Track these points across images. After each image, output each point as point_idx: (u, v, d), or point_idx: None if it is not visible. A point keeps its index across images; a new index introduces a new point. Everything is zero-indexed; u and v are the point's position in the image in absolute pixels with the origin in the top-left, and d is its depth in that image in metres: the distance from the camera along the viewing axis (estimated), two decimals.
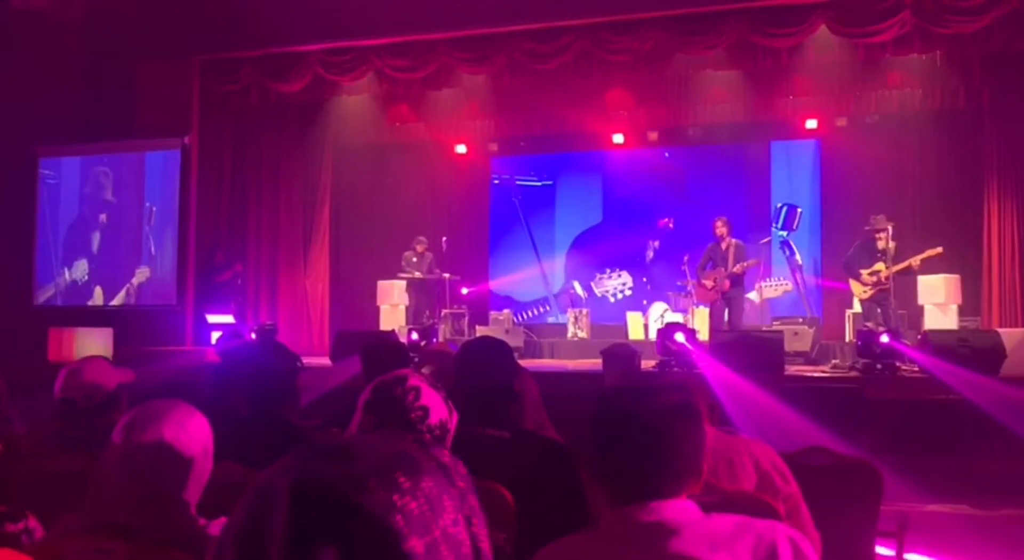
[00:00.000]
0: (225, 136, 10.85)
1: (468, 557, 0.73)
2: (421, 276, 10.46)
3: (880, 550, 2.90)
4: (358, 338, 7.21)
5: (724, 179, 11.48)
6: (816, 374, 7.47)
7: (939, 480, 5.31)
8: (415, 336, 8.51)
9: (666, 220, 11.37)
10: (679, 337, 7.18)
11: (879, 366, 6.88)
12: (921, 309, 9.07)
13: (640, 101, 10.55)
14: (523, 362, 3.78)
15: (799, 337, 8.77)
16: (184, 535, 1.55)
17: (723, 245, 9.05)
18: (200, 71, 10.34)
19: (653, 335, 9.44)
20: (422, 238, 10.61)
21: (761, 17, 8.70)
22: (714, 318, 9.18)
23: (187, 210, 10.29)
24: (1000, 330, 7.34)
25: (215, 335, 8.98)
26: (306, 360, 3.91)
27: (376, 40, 9.69)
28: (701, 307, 9.69)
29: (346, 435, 1.76)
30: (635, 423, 1.45)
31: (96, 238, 10.63)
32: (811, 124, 10.45)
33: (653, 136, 11.08)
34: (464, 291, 11.13)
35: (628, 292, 11.57)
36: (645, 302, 11.20)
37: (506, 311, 11.20)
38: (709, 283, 9.08)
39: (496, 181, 12.36)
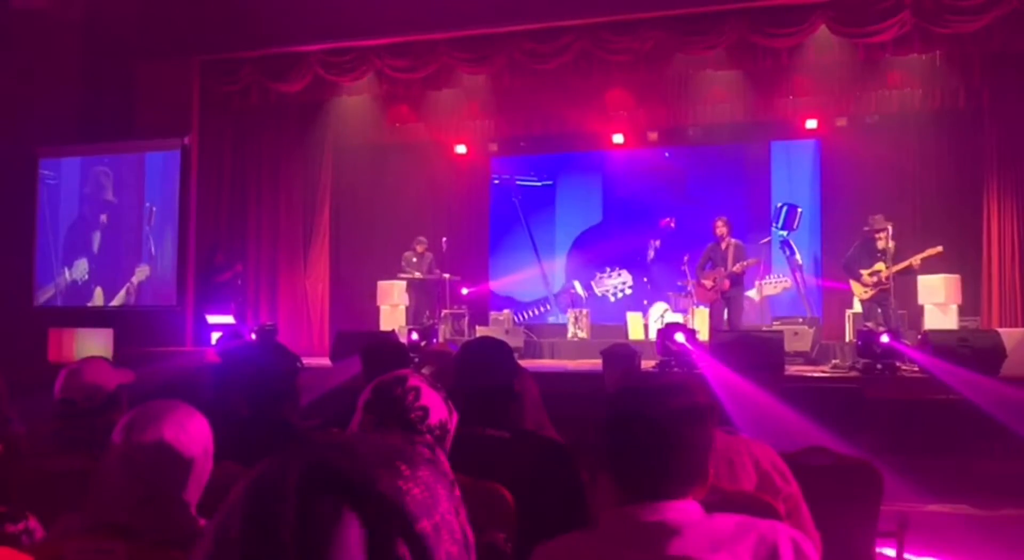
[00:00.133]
0: (225, 136, 10.85)
1: (462, 544, 0.75)
2: (421, 276, 10.46)
3: (880, 550, 2.90)
4: (358, 338, 7.21)
5: (724, 179, 11.48)
6: (816, 374, 7.47)
7: (939, 480, 5.31)
8: (415, 336, 8.51)
9: (668, 220, 11.37)
10: (679, 337, 7.18)
11: (879, 366, 6.88)
12: (921, 309, 9.07)
13: (640, 101, 10.55)
14: (523, 362, 3.78)
15: (799, 337, 8.77)
16: (184, 535, 1.55)
17: (723, 245, 9.05)
18: (200, 71, 10.35)
19: (653, 335, 9.44)
20: (422, 238, 10.61)
21: (761, 17, 8.70)
22: (714, 318, 9.18)
23: (187, 210, 10.29)
24: (1000, 330, 7.34)
25: (215, 335, 8.98)
26: (306, 360, 3.91)
27: (376, 40, 9.69)
28: (701, 307, 9.69)
29: (345, 435, 1.77)
30: (647, 424, 1.46)
31: (96, 238, 10.63)
32: (811, 124, 10.45)
33: (653, 136, 11.08)
34: (464, 291, 11.13)
35: (628, 291, 11.57)
36: (646, 302, 11.20)
37: (506, 311, 11.20)
38: (708, 283, 9.08)
39: (496, 181, 12.36)
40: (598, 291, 11.65)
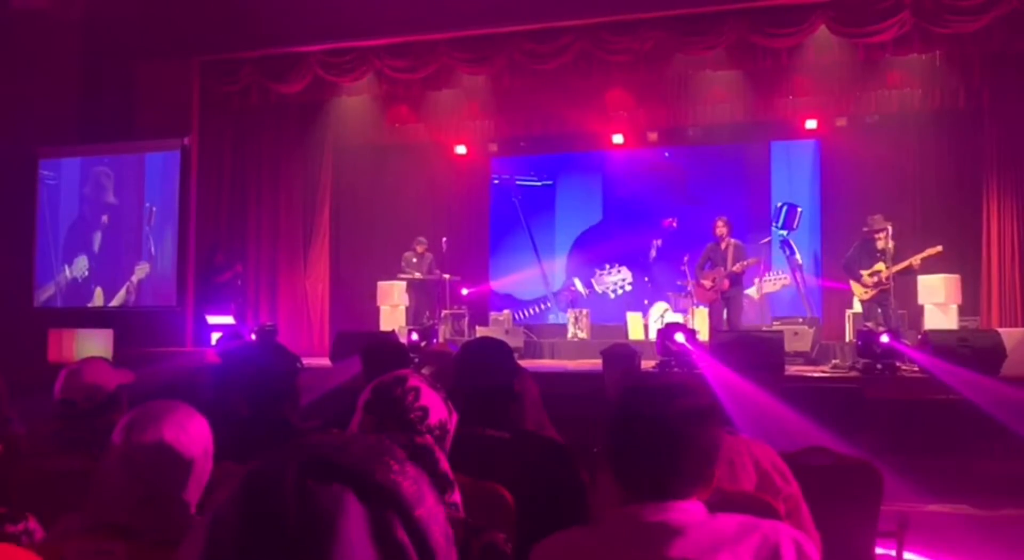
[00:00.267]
0: (225, 137, 10.85)
1: (447, 537, 0.77)
2: (421, 277, 10.46)
3: (880, 550, 2.90)
4: (358, 339, 7.21)
5: (724, 179, 11.48)
6: (816, 374, 7.47)
7: (939, 480, 5.31)
8: (415, 337, 8.51)
9: (670, 220, 11.38)
10: (679, 337, 7.18)
11: (879, 366, 6.88)
12: (921, 309, 9.07)
13: (640, 101, 10.55)
14: (523, 362, 3.78)
15: (799, 337, 8.77)
16: (184, 536, 1.55)
17: (722, 245, 9.05)
18: (200, 72, 10.35)
19: (653, 335, 9.44)
20: (422, 239, 10.62)
21: (761, 17, 8.71)
22: (713, 318, 9.18)
23: (187, 211, 10.30)
24: (1000, 330, 7.34)
25: (215, 336, 8.98)
26: (306, 361, 3.91)
27: (376, 41, 9.69)
28: (701, 307, 9.69)
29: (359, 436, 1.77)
30: (654, 424, 1.46)
31: (97, 238, 10.63)
32: (811, 124, 10.45)
33: (653, 136, 11.08)
34: (464, 292, 11.13)
35: (628, 287, 11.57)
36: (646, 302, 11.20)
37: (506, 312, 11.20)
38: (708, 283, 9.08)
39: (496, 181, 12.37)
40: (598, 288, 11.65)
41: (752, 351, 6.81)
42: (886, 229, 8.29)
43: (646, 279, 11.46)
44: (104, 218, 10.63)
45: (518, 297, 12.10)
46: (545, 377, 5.65)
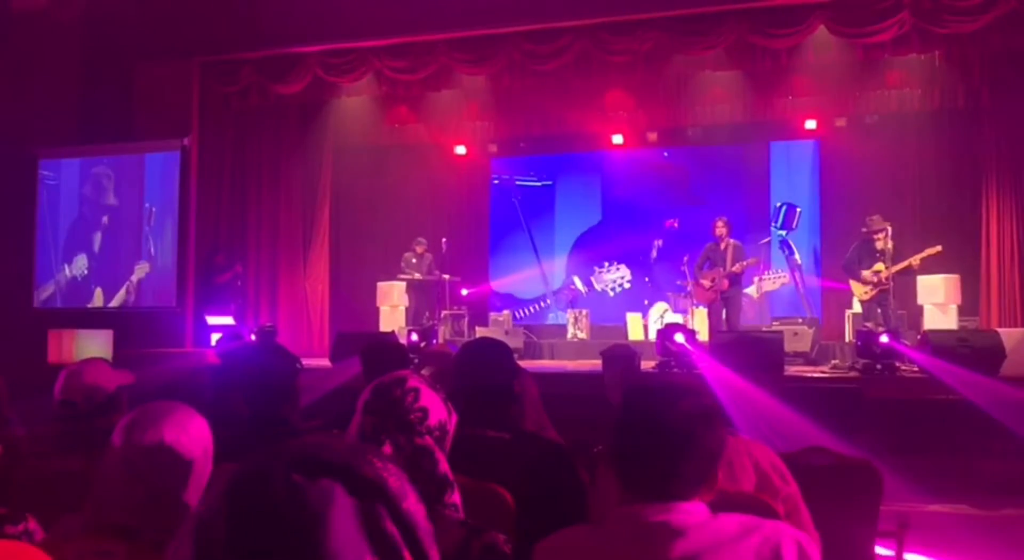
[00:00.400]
0: (225, 137, 10.85)
1: (431, 533, 0.78)
2: (421, 277, 10.46)
3: (880, 550, 2.90)
4: (358, 339, 7.21)
5: (723, 180, 11.49)
6: (816, 374, 7.47)
7: (939, 480, 5.31)
8: (415, 337, 8.51)
9: (672, 221, 11.38)
10: (679, 338, 7.18)
11: (879, 366, 6.88)
12: (921, 309, 9.07)
13: (639, 102, 10.56)
14: (523, 363, 3.78)
15: (799, 337, 8.77)
16: None
17: (722, 245, 9.06)
18: (200, 72, 10.35)
19: (653, 336, 9.44)
20: (422, 239, 10.62)
21: (760, 17, 8.71)
22: (712, 318, 9.18)
23: (187, 211, 10.30)
24: (999, 330, 7.34)
25: (215, 337, 8.98)
26: (306, 361, 3.91)
27: (375, 41, 9.69)
28: (701, 308, 9.69)
29: (346, 436, 1.77)
30: (659, 425, 1.47)
31: (97, 239, 10.64)
32: (810, 124, 10.45)
33: (652, 137, 11.08)
34: (464, 292, 11.13)
35: (626, 285, 11.58)
36: (647, 302, 11.20)
37: (506, 312, 11.20)
38: (707, 282, 9.08)
39: (496, 181, 12.37)
40: (597, 286, 11.66)
41: (752, 351, 6.83)
42: (885, 229, 8.30)
43: (646, 279, 11.46)
44: (104, 219, 10.64)
45: (517, 296, 12.10)
46: (545, 378, 5.66)
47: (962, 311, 8.97)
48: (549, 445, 2.48)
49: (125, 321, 10.08)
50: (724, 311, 9.02)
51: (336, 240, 11.69)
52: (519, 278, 12.09)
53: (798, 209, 11.08)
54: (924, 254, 8.20)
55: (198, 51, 10.20)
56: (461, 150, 11.83)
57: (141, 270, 10.36)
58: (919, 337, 7.39)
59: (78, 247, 10.69)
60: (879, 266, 8.29)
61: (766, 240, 10.90)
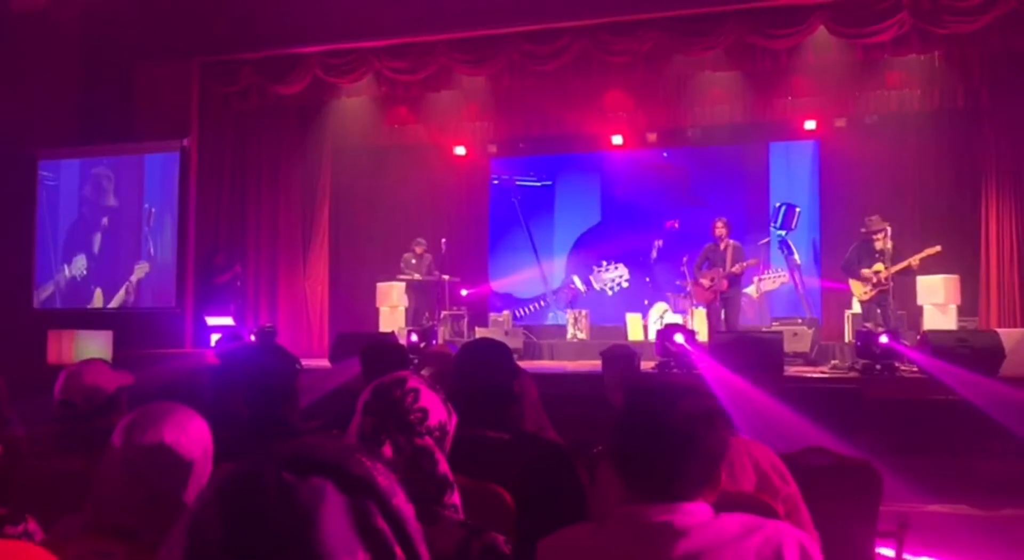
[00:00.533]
0: (224, 138, 10.85)
1: (420, 532, 0.79)
2: (420, 278, 10.46)
3: (880, 550, 2.90)
4: (357, 340, 7.20)
5: (723, 180, 11.49)
6: (815, 375, 7.47)
7: (939, 480, 5.31)
8: (415, 338, 8.51)
9: (673, 221, 11.38)
10: (678, 338, 7.18)
11: (878, 367, 6.88)
12: (920, 309, 9.07)
13: (639, 102, 10.56)
14: (522, 363, 3.79)
15: (798, 338, 8.77)
16: None
17: (721, 246, 9.06)
18: (199, 73, 10.35)
19: (653, 336, 9.44)
20: (421, 240, 10.61)
21: (760, 18, 8.72)
22: (711, 318, 9.18)
23: (186, 212, 10.30)
24: (999, 330, 7.35)
25: (214, 337, 8.98)
26: (305, 362, 3.91)
27: (375, 42, 9.69)
28: (700, 308, 9.69)
29: (345, 437, 1.77)
30: (663, 426, 1.47)
31: (97, 239, 10.64)
32: (810, 125, 10.45)
33: (652, 137, 11.09)
34: (464, 293, 11.13)
35: (625, 284, 11.58)
36: (647, 302, 11.20)
37: (505, 313, 11.20)
38: (706, 282, 9.08)
39: (495, 181, 12.37)
40: (596, 285, 11.67)
41: (751, 352, 6.84)
42: (884, 229, 8.30)
43: (647, 279, 11.46)
44: (104, 219, 10.64)
45: (517, 296, 12.11)
46: (544, 378, 5.66)
47: (961, 311, 8.97)
48: (549, 445, 2.48)
49: (125, 322, 10.07)
50: (723, 311, 9.02)
51: (336, 241, 11.69)
52: (519, 279, 12.09)
53: (797, 209, 11.09)
54: (923, 254, 8.20)
55: (198, 51, 10.20)
56: (461, 150, 11.84)
57: (141, 270, 10.36)
58: (919, 337, 7.39)
59: (78, 248, 10.69)
60: (878, 266, 8.29)
61: (765, 240, 10.90)
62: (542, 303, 12.03)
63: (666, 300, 10.95)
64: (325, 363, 8.13)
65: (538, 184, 12.28)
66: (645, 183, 11.70)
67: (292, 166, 11.24)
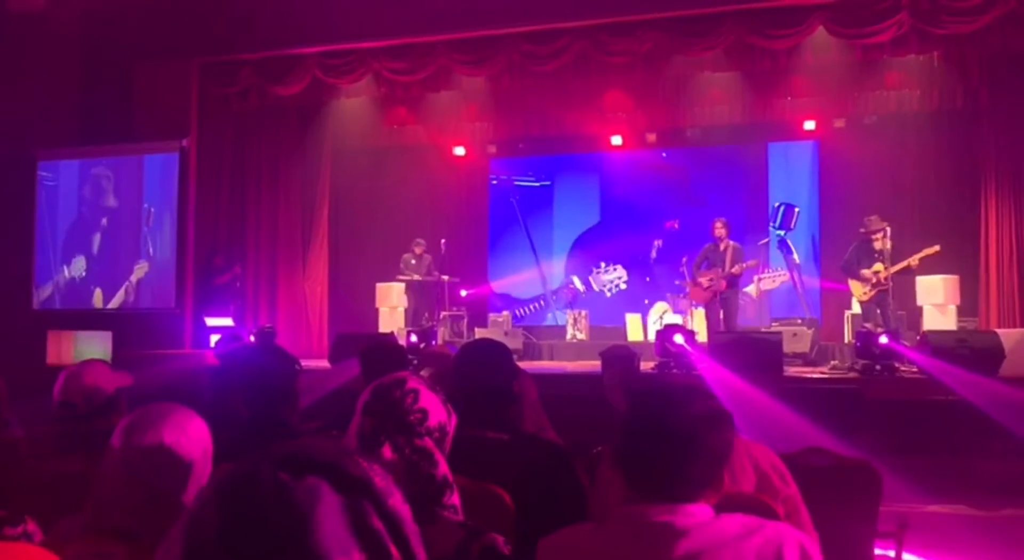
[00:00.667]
0: (224, 139, 10.85)
1: (416, 532, 0.79)
2: (420, 278, 10.45)
3: (879, 551, 2.90)
4: (357, 340, 7.20)
5: (722, 181, 11.49)
6: (815, 375, 7.47)
7: (938, 480, 5.31)
8: (414, 338, 8.51)
9: (673, 221, 11.38)
10: (678, 339, 7.17)
11: (878, 367, 6.88)
12: (920, 310, 9.08)
13: (638, 103, 10.56)
14: (522, 364, 3.79)
15: (798, 338, 8.77)
16: None
17: (721, 246, 9.06)
18: (199, 74, 10.35)
19: (652, 337, 9.43)
20: (420, 240, 10.61)
21: (759, 18, 8.72)
22: (710, 318, 9.17)
23: (186, 213, 10.30)
24: (998, 330, 7.35)
25: (214, 338, 8.98)
26: (305, 362, 3.91)
27: (374, 43, 9.70)
28: (700, 308, 9.69)
29: (345, 438, 1.77)
30: (669, 428, 1.47)
31: (96, 239, 10.64)
32: (809, 125, 10.45)
33: (651, 138, 11.09)
34: (463, 293, 11.13)
35: (623, 285, 11.58)
36: (647, 301, 11.20)
37: (505, 313, 11.20)
38: (705, 282, 9.08)
39: (494, 181, 12.37)
40: (595, 286, 11.67)
41: (751, 352, 6.84)
42: (883, 229, 8.30)
43: (647, 279, 11.46)
44: (103, 220, 10.64)
45: (516, 297, 12.11)
46: (544, 378, 5.65)
47: (961, 312, 8.98)
48: (548, 446, 2.48)
49: (124, 322, 10.07)
50: (721, 312, 9.02)
51: (335, 241, 11.69)
52: (518, 279, 12.09)
53: (796, 209, 11.09)
54: (922, 254, 8.20)
55: (197, 52, 10.20)
56: (460, 151, 11.84)
57: (140, 270, 10.36)
58: (918, 338, 7.39)
59: (77, 248, 10.69)
60: (878, 266, 8.29)
61: (764, 241, 10.90)
62: (541, 303, 12.03)
63: (666, 300, 10.95)
64: (325, 364, 8.13)
65: (537, 184, 12.28)
66: (644, 183, 11.70)
67: (291, 167, 11.24)
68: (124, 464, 1.60)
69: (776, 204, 11.17)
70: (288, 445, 0.79)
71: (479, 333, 10.24)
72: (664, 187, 11.67)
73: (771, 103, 10.16)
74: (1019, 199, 9.18)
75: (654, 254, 11.44)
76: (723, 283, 8.91)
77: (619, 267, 11.62)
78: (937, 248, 8.17)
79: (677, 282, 10.15)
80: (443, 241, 10.70)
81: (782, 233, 11.07)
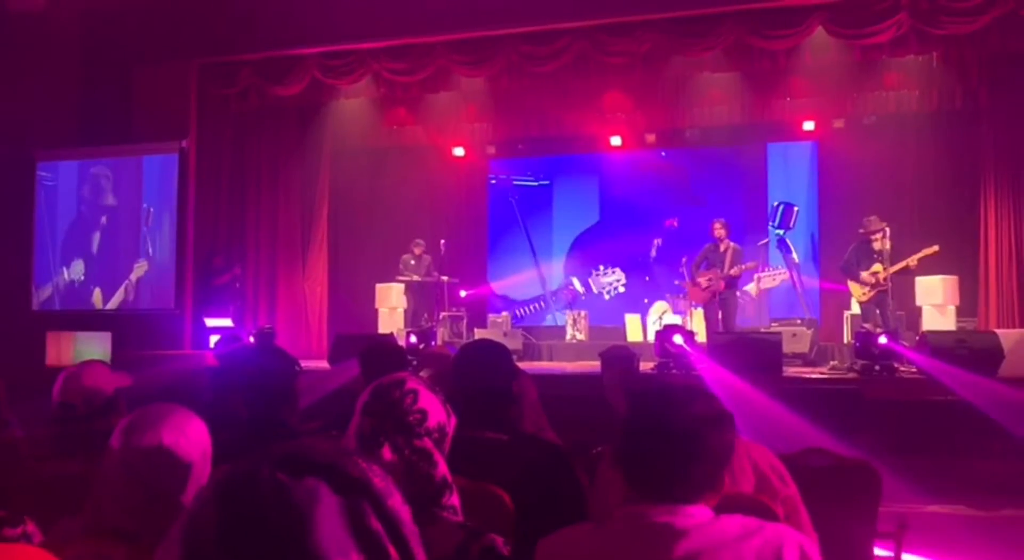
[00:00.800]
0: (223, 139, 10.85)
1: (416, 534, 0.79)
2: (419, 279, 10.45)
3: (879, 551, 2.90)
4: (356, 341, 7.20)
5: (721, 181, 11.49)
6: (815, 375, 7.47)
7: (938, 481, 5.31)
8: (414, 339, 8.50)
9: (672, 220, 11.39)
10: (677, 339, 7.17)
11: (877, 367, 6.88)
12: (919, 310, 9.08)
13: (637, 103, 10.57)
14: (522, 364, 3.78)
15: (797, 338, 8.78)
16: None
17: (721, 247, 9.05)
18: (198, 74, 10.35)
19: (652, 337, 9.43)
20: (420, 241, 10.61)
21: (758, 19, 8.72)
22: (708, 318, 9.17)
23: (185, 213, 10.29)
24: (998, 331, 7.35)
25: (213, 339, 8.97)
26: (305, 363, 3.91)
27: (374, 43, 9.70)
28: (699, 308, 9.69)
29: (344, 438, 1.77)
30: (670, 429, 1.47)
31: (96, 239, 10.63)
32: (808, 126, 10.46)
33: (651, 138, 11.09)
34: (463, 294, 11.13)
35: (621, 289, 11.58)
36: (646, 301, 11.20)
37: (504, 314, 11.21)
38: (703, 282, 9.08)
39: (493, 181, 12.37)
40: (594, 289, 11.67)
41: (750, 353, 6.84)
42: (883, 230, 8.29)
43: (646, 278, 11.46)
44: (103, 219, 10.63)
45: (515, 297, 12.11)
46: (544, 379, 5.66)
47: (960, 312, 8.98)
48: (548, 447, 2.48)
49: (124, 323, 10.07)
50: (720, 312, 9.02)
51: (335, 242, 11.69)
52: (517, 280, 12.09)
53: (795, 208, 11.09)
54: (921, 254, 8.19)
55: (197, 53, 10.20)
56: (459, 152, 11.84)
57: (140, 269, 10.35)
58: (918, 338, 7.39)
59: (76, 248, 10.68)
60: (877, 267, 8.29)
61: (764, 241, 10.90)
62: (541, 304, 12.03)
63: (665, 300, 10.95)
64: (324, 364, 8.13)
65: (536, 185, 12.28)
66: (644, 184, 11.70)
67: (291, 167, 11.24)
68: (123, 465, 1.60)
69: (775, 203, 11.18)
70: (287, 446, 0.79)
71: (478, 334, 10.24)
72: (663, 187, 11.68)
73: (770, 103, 10.17)
74: (1018, 199, 9.18)
75: (654, 253, 11.44)
76: (722, 284, 8.90)
77: (617, 270, 11.63)
78: (936, 248, 8.17)
79: (676, 282, 10.16)
80: (442, 242, 10.70)
81: (781, 232, 11.07)
